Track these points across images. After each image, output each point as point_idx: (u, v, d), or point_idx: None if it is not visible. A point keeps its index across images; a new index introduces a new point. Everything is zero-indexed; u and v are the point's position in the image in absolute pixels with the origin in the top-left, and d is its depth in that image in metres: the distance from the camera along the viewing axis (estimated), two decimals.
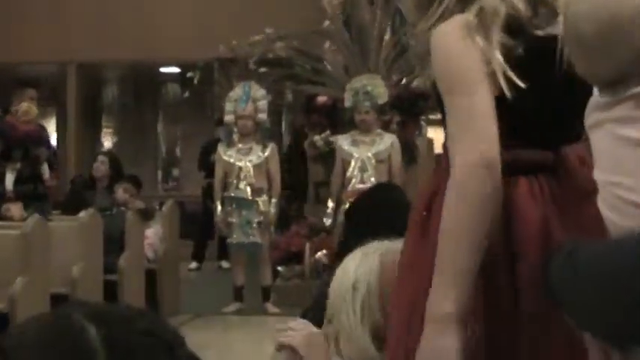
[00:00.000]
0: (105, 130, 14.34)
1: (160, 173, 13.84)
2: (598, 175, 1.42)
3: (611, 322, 1.27)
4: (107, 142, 14.10)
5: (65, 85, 12.31)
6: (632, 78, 1.39)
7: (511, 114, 1.53)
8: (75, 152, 12.21)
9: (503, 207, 1.60)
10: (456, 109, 1.63)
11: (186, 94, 9.21)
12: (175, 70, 13.10)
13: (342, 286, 1.91)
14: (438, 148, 13.82)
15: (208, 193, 9.86)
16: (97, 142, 13.93)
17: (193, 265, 10.94)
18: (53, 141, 13.27)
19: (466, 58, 1.61)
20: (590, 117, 1.45)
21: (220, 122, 10.53)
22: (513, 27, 1.64)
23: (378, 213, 2.33)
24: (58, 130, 13.54)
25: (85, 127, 12.96)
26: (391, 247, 1.93)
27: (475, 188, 1.56)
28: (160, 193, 13.26)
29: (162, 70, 13.40)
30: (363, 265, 1.91)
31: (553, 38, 1.60)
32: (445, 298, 1.57)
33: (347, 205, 7.78)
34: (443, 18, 1.71)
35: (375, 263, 1.90)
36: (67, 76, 12.16)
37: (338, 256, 2.34)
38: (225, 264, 10.84)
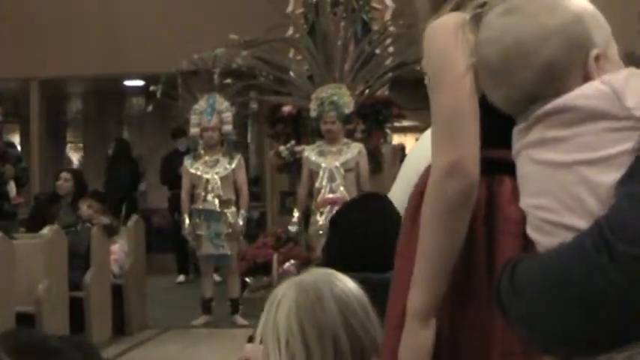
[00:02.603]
0: (69, 145, 14.24)
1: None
2: (522, 201, 1.44)
3: (551, 335, 1.29)
4: (72, 157, 14.00)
5: (28, 100, 12.20)
6: (538, 101, 1.41)
7: (499, 112, 1.54)
8: (39, 167, 12.08)
9: (486, 205, 1.64)
10: (437, 107, 1.65)
11: (150, 108, 9.13)
12: (139, 83, 13.03)
13: (267, 331, 1.80)
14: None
15: (174, 205, 9.83)
16: (62, 156, 13.82)
17: (181, 278, 10.87)
18: None
19: (453, 56, 1.61)
20: (513, 149, 1.47)
21: (178, 134, 10.55)
22: None
23: (368, 223, 2.29)
24: (22, 146, 13.39)
25: (49, 142, 12.84)
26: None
27: (445, 192, 1.60)
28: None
29: (126, 83, 13.32)
30: (283, 312, 1.78)
31: None
32: (422, 294, 1.63)
33: (319, 215, 7.81)
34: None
35: (292, 302, 1.79)
36: (30, 91, 12.05)
37: (322, 264, 2.30)
38: (181, 278, 10.82)
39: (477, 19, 1.60)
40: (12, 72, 11.62)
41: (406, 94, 9.71)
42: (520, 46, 1.43)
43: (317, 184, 7.89)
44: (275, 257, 8.59)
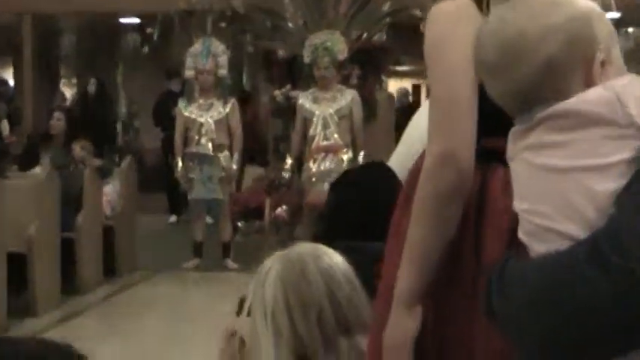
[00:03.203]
0: (63, 81, 14.13)
1: (120, 125, 13.68)
2: (516, 204, 1.41)
3: (538, 341, 1.29)
4: (66, 92, 13.88)
5: (21, 35, 12.07)
6: (539, 102, 1.37)
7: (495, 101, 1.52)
8: (32, 102, 11.99)
9: (477, 193, 1.63)
10: (433, 93, 1.64)
11: (146, 50, 9.05)
12: (134, 20, 12.89)
13: (254, 304, 1.81)
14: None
15: (167, 146, 9.80)
16: (55, 91, 13.71)
17: (173, 218, 10.89)
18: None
19: (452, 43, 1.58)
20: (508, 151, 1.44)
21: (172, 75, 10.48)
22: None
23: (372, 195, 2.27)
24: (15, 80, 13.30)
25: (42, 77, 12.72)
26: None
27: (437, 182, 1.59)
28: (120, 145, 13.14)
29: (122, 20, 13.17)
30: (269, 285, 1.77)
31: None
32: (409, 280, 1.64)
33: (313, 163, 7.80)
34: None
35: (276, 279, 1.78)
36: (23, 26, 11.90)
37: (322, 234, 2.29)
38: (172, 218, 10.84)
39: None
40: (5, 6, 11.48)
41: (403, 39, 9.64)
42: (521, 40, 1.38)
43: (311, 132, 7.86)
44: (267, 202, 8.61)
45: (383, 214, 2.23)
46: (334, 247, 2.18)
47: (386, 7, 8.80)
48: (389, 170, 2.31)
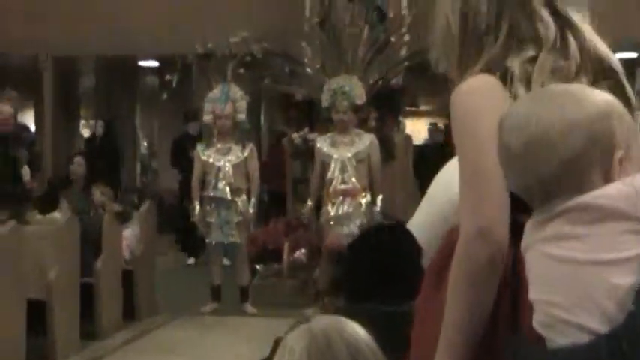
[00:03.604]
0: (83, 122, 14.27)
1: (138, 166, 13.79)
2: (532, 295, 1.42)
3: None
4: (84, 133, 14.02)
5: (42, 76, 12.21)
6: (560, 195, 1.39)
7: None
8: (52, 145, 12.12)
9: (511, 272, 1.60)
10: (463, 170, 1.63)
11: (165, 96, 9.14)
12: (153, 63, 13.03)
13: None
14: (417, 140, 13.85)
15: (184, 189, 9.85)
16: (75, 132, 13.85)
17: (191, 260, 10.90)
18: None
19: (485, 121, 1.59)
20: (524, 240, 1.45)
21: (189, 118, 10.57)
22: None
23: (391, 260, 2.27)
24: (35, 122, 13.45)
25: (62, 118, 12.87)
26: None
27: (474, 258, 1.58)
28: (138, 185, 13.24)
29: (141, 63, 13.32)
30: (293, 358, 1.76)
31: None
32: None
33: (331, 206, 7.80)
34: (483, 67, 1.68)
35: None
36: (43, 68, 12.05)
37: (343, 296, 2.30)
38: (190, 260, 10.85)
39: (525, 73, 1.58)
40: (25, 48, 11.64)
41: (419, 79, 9.70)
42: (543, 137, 1.40)
43: (329, 175, 7.90)
44: (286, 245, 8.62)
45: (402, 279, 2.25)
46: (355, 312, 2.20)
47: (403, 51, 8.86)
48: (409, 233, 2.31)
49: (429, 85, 9.75)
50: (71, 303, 6.56)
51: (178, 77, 8.83)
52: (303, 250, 8.55)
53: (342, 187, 7.86)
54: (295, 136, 9.18)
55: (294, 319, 7.75)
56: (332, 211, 7.84)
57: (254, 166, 8.12)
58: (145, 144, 14.24)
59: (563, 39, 1.66)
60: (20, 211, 7.21)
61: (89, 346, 6.76)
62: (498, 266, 1.58)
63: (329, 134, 8.07)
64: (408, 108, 10.44)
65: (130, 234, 7.69)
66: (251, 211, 8.07)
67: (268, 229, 9.22)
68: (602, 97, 1.45)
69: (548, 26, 1.66)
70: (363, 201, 7.82)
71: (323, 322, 1.86)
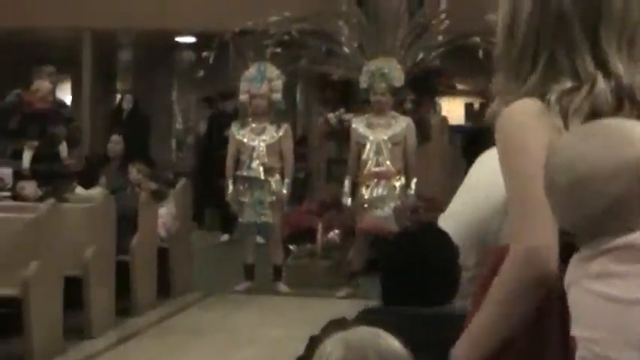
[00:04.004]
0: (119, 97, 14.33)
1: (174, 141, 13.86)
2: (575, 331, 1.42)
3: None
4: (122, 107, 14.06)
5: (80, 50, 12.29)
6: (606, 233, 1.40)
7: None
8: (90, 117, 12.22)
9: (559, 300, 1.60)
10: (512, 194, 1.65)
11: (202, 73, 9.16)
12: (190, 39, 13.06)
13: None
14: (452, 120, 13.79)
15: (219, 166, 9.85)
16: (112, 106, 13.92)
17: (225, 237, 10.95)
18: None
19: (528, 143, 1.60)
20: (567, 275, 1.45)
21: (225, 96, 10.57)
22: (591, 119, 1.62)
23: (429, 262, 2.28)
24: (72, 95, 13.56)
25: (99, 92, 12.95)
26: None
27: (520, 278, 1.60)
28: (174, 161, 13.31)
29: (178, 39, 13.34)
30: None
31: None
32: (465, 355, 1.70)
33: (365, 189, 7.79)
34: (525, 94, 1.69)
35: None
36: (83, 42, 12.12)
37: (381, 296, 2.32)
38: (225, 237, 10.88)
39: (562, 108, 1.58)
40: (65, 21, 11.71)
41: (457, 60, 9.64)
42: (592, 177, 1.41)
43: (363, 156, 7.89)
44: (320, 225, 8.64)
45: (440, 282, 2.25)
46: (393, 314, 2.20)
47: (440, 34, 8.79)
48: (444, 235, 2.30)
49: (466, 65, 9.71)
50: (107, 280, 6.64)
51: (215, 55, 8.83)
52: (336, 231, 8.57)
53: (376, 169, 7.85)
54: (331, 116, 9.18)
55: (327, 299, 7.84)
56: (366, 194, 7.84)
57: (288, 146, 8.12)
58: (181, 119, 14.29)
59: (604, 73, 1.65)
60: (58, 188, 7.30)
61: (124, 323, 6.85)
62: (543, 288, 1.60)
63: (365, 115, 8.05)
64: (443, 89, 10.36)
65: (165, 212, 7.75)
66: (284, 191, 8.07)
67: (302, 209, 9.25)
68: None
69: (585, 60, 1.66)
70: (397, 184, 7.81)
71: (360, 334, 1.87)
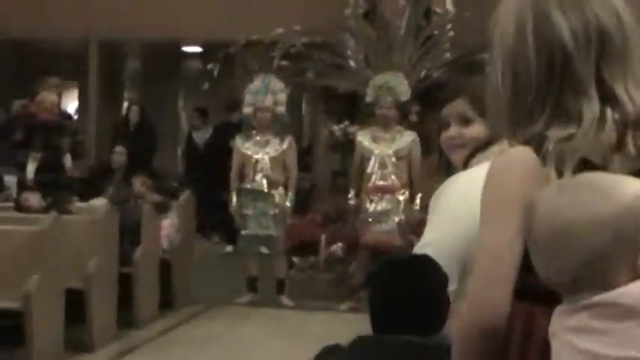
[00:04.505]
0: (126, 106, 14.35)
1: (179, 150, 13.86)
2: None
3: None
4: (129, 116, 14.07)
5: (87, 59, 12.31)
6: (585, 288, 1.40)
7: None
8: (96, 126, 12.24)
9: (522, 334, 1.60)
10: (482, 243, 1.64)
11: (207, 86, 9.16)
12: (197, 49, 13.09)
13: None
14: None
15: (223, 177, 9.86)
16: (119, 115, 13.94)
17: (229, 248, 10.94)
18: (75, 114, 13.41)
19: (514, 205, 1.57)
20: (551, 324, 1.46)
21: (230, 107, 10.58)
22: (588, 168, 1.60)
23: (419, 292, 2.28)
24: (80, 106, 13.59)
25: (106, 101, 12.97)
26: None
27: (473, 330, 1.61)
28: (179, 170, 13.31)
29: (185, 48, 13.37)
30: None
31: None
32: None
33: (369, 203, 7.78)
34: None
35: None
36: (89, 51, 12.14)
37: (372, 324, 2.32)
38: (229, 248, 10.87)
39: (556, 155, 1.57)
40: (71, 32, 11.73)
41: (463, 73, 9.62)
42: (568, 232, 1.41)
43: (368, 170, 7.89)
44: (323, 238, 8.64)
45: (430, 311, 2.24)
46: (385, 342, 2.20)
47: (447, 47, 8.77)
48: (433, 263, 2.30)
49: (471, 78, 9.69)
50: (109, 293, 6.64)
51: (220, 67, 8.85)
52: (340, 244, 8.56)
53: (381, 183, 7.85)
54: (336, 129, 9.18)
55: (330, 312, 7.82)
56: (370, 208, 7.84)
57: (292, 159, 8.13)
58: (187, 128, 14.27)
59: (604, 116, 1.63)
60: (61, 199, 7.31)
61: (126, 336, 6.85)
62: (496, 338, 1.59)
63: (370, 128, 8.06)
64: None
65: (168, 224, 7.75)
66: (288, 204, 8.08)
67: (306, 221, 9.24)
68: (631, 189, 1.43)
69: (592, 106, 1.63)
70: (402, 198, 7.80)
71: None
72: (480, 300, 1.60)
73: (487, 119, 1.80)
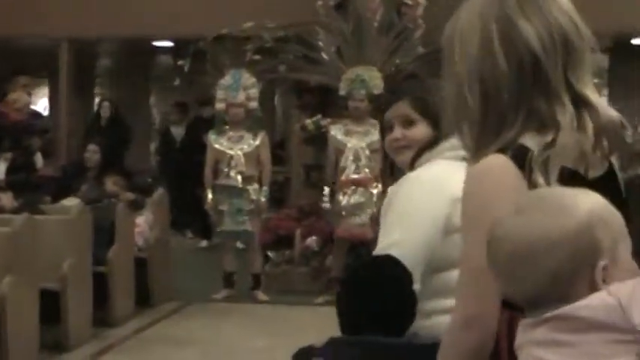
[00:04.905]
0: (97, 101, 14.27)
1: (152, 146, 13.81)
2: None
3: None
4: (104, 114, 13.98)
5: (57, 57, 12.21)
6: (547, 302, 1.41)
7: None
8: (67, 127, 12.15)
9: (507, 339, 1.61)
10: (466, 256, 1.65)
11: (177, 81, 9.12)
12: (168, 43, 13.02)
13: None
14: None
15: (197, 172, 9.84)
16: (90, 111, 13.85)
17: (204, 243, 10.93)
18: (45, 112, 13.30)
19: (492, 208, 1.57)
20: (517, 338, 1.47)
21: (202, 102, 10.56)
22: (565, 173, 1.62)
23: (387, 293, 2.29)
24: (51, 104, 13.49)
25: (77, 98, 12.87)
26: None
27: (462, 344, 1.62)
28: (152, 165, 13.27)
29: (155, 43, 13.31)
30: None
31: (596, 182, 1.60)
32: None
33: (342, 195, 7.80)
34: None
35: None
36: (60, 51, 12.05)
37: (342, 329, 2.33)
38: (204, 243, 10.87)
39: (545, 159, 1.58)
40: (41, 31, 11.63)
41: (433, 65, 9.62)
42: (524, 251, 1.42)
43: (342, 163, 7.91)
44: (298, 232, 8.65)
45: (397, 311, 2.26)
46: (354, 343, 2.22)
47: (418, 42, 8.76)
48: (399, 264, 2.32)
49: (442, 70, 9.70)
50: (84, 292, 6.61)
51: (191, 62, 8.81)
52: (314, 238, 8.57)
53: (354, 176, 7.87)
54: (308, 122, 9.17)
55: (306, 306, 7.83)
56: (344, 201, 7.86)
57: (266, 155, 8.14)
58: (159, 123, 14.23)
59: (580, 118, 1.64)
60: (33, 199, 7.27)
61: (102, 335, 6.82)
62: (484, 353, 1.61)
63: (343, 122, 8.07)
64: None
65: (143, 221, 7.73)
66: (263, 199, 8.08)
67: (281, 216, 9.24)
68: (586, 205, 1.44)
69: (566, 110, 1.64)
70: (375, 191, 7.82)
71: None
72: (470, 319, 1.61)
73: (453, 130, 1.78)
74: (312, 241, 8.56)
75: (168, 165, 11.85)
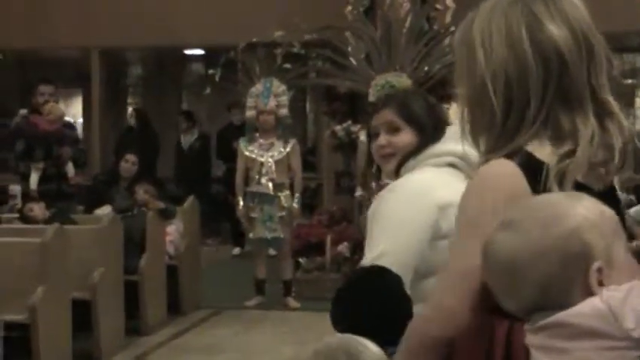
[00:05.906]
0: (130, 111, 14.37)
1: None
2: None
3: None
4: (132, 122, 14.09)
5: (89, 67, 12.32)
6: (541, 311, 1.41)
7: None
8: (100, 135, 12.25)
9: (504, 347, 1.56)
10: (454, 263, 1.63)
11: (208, 90, 9.14)
12: (199, 52, 13.10)
13: None
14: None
15: (229, 179, 9.88)
16: (123, 121, 13.97)
17: (236, 250, 10.97)
18: (79, 122, 13.43)
19: (485, 218, 1.55)
20: (526, 338, 1.48)
21: (233, 105, 10.63)
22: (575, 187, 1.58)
23: (385, 304, 2.27)
24: (84, 114, 13.61)
25: (110, 108, 12.98)
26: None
27: (427, 334, 1.61)
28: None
29: (187, 52, 13.38)
30: None
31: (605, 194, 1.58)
32: None
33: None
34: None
35: None
36: (91, 60, 12.16)
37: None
38: (236, 250, 10.92)
39: (561, 168, 1.55)
40: (73, 41, 11.75)
41: None
42: (514, 264, 1.42)
43: (373, 169, 7.86)
44: (329, 238, 8.62)
45: (393, 322, 2.24)
46: None
47: (449, 48, 8.71)
48: (395, 276, 2.30)
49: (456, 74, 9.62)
50: (115, 302, 6.64)
51: (222, 71, 8.85)
52: (345, 244, 8.55)
53: (385, 181, 7.82)
54: (338, 129, 9.15)
55: None
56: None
57: (297, 162, 8.14)
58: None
59: (605, 131, 1.61)
60: (65, 209, 7.32)
61: (133, 344, 6.85)
62: (445, 349, 1.59)
63: None
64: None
65: (174, 230, 7.75)
66: (295, 206, 8.08)
67: (312, 222, 9.23)
68: (575, 210, 1.42)
69: (588, 122, 1.60)
70: None
71: (334, 341, 1.93)
72: (444, 309, 1.59)
73: (469, 134, 1.73)
74: (343, 247, 8.54)
75: (181, 173, 11.94)
